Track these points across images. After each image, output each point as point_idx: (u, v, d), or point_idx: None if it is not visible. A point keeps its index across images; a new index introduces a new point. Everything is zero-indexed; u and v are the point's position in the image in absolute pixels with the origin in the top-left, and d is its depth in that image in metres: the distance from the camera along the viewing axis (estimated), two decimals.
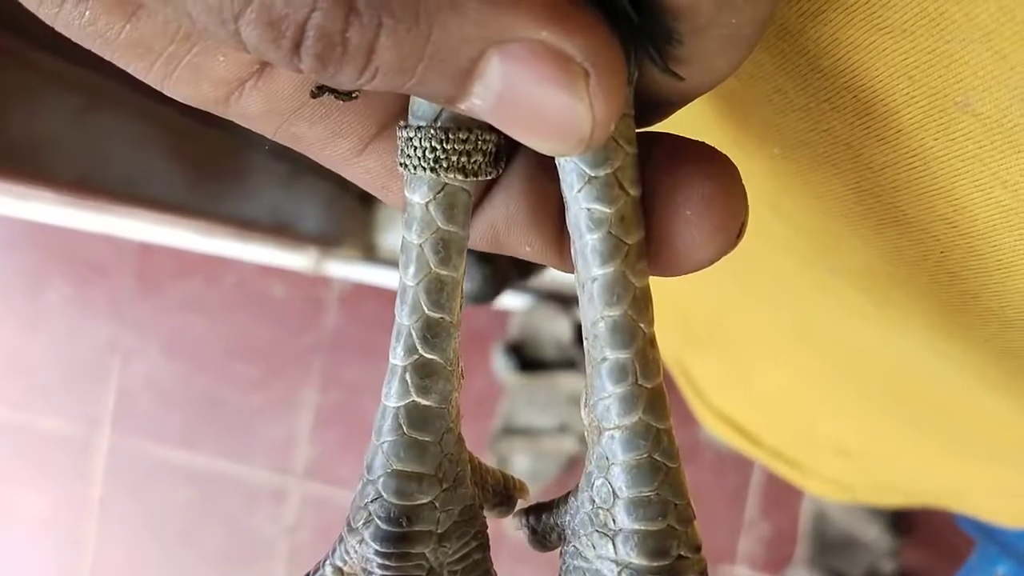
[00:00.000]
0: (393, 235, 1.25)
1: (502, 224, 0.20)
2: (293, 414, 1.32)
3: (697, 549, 0.19)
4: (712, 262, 0.18)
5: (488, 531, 0.21)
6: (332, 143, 0.19)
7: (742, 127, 0.25)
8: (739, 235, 0.18)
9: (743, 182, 0.18)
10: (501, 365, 1.23)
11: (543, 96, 0.14)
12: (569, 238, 0.19)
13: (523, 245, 0.20)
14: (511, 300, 1.21)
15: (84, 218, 1.27)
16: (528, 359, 1.24)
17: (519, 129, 0.15)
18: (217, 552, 1.34)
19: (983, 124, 0.18)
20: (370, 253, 1.25)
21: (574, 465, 1.28)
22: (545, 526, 0.21)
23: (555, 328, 1.23)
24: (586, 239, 0.18)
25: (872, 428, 0.50)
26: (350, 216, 1.17)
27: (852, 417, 0.51)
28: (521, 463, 1.26)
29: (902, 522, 1.21)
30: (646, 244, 0.18)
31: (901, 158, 0.20)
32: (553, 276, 1.23)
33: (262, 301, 1.33)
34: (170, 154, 0.71)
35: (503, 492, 0.22)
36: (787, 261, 0.34)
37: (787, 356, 0.50)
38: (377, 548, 0.19)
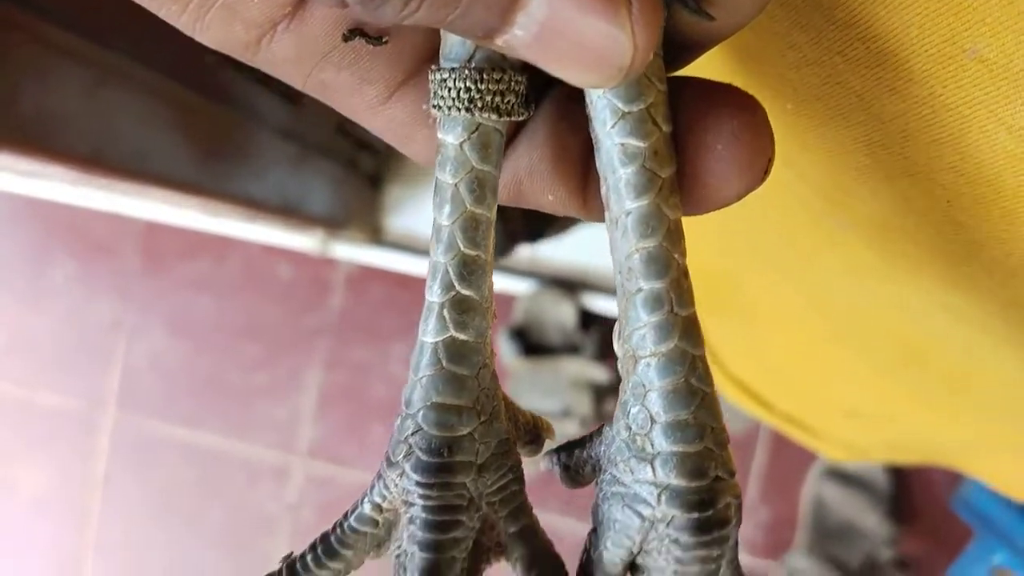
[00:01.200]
0: (400, 218, 1.26)
1: (525, 174, 0.20)
2: (297, 394, 1.33)
3: (732, 473, 0.19)
4: (740, 197, 0.18)
5: (522, 467, 0.21)
6: (359, 90, 0.19)
7: (756, 83, 0.25)
8: (766, 171, 0.18)
9: (768, 121, 0.18)
10: (505, 349, 1.23)
11: (585, 25, 0.15)
12: (591, 186, 0.19)
13: (546, 194, 0.20)
14: (515, 285, 1.21)
15: (90, 196, 1.27)
16: (532, 344, 1.24)
17: (559, 60, 0.15)
18: (220, 530, 1.35)
19: (990, 70, 0.18)
20: (377, 236, 1.25)
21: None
22: (578, 460, 0.21)
23: (559, 313, 1.23)
24: (619, 174, 0.18)
25: (881, 389, 0.51)
26: (357, 198, 1.17)
27: (862, 379, 0.51)
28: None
29: (901, 510, 1.22)
30: (677, 181, 0.18)
31: (911, 107, 0.21)
32: (557, 261, 1.23)
33: (268, 282, 1.34)
34: (178, 132, 0.71)
35: (532, 431, 0.22)
36: (798, 218, 0.34)
37: (797, 320, 0.50)
38: (419, 479, 0.20)
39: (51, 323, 1.39)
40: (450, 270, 0.19)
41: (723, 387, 0.72)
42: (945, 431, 0.54)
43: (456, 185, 0.19)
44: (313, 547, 0.22)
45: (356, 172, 1.15)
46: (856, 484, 1.23)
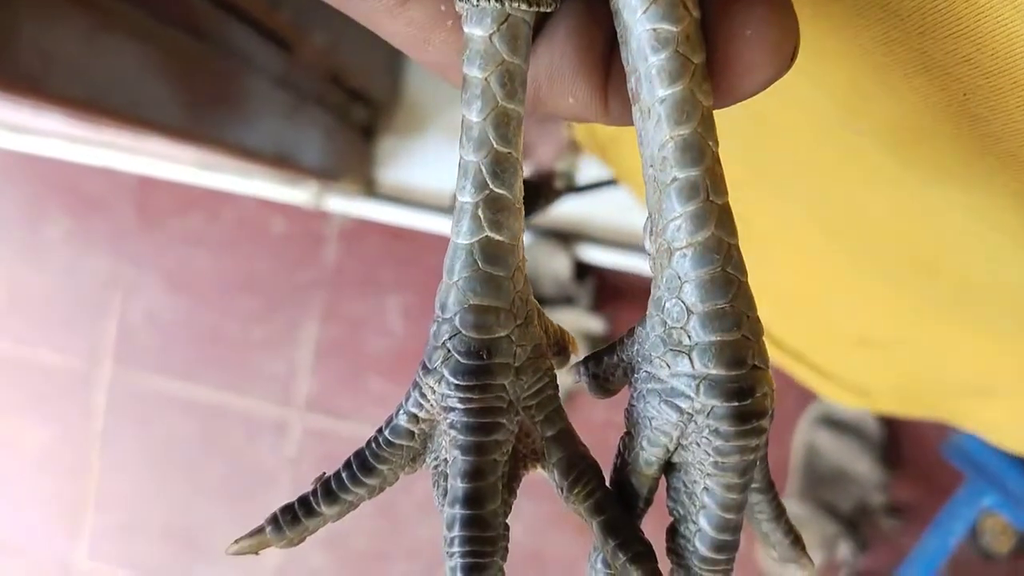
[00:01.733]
0: (394, 170, 1.25)
1: (544, 76, 0.20)
2: (294, 348, 1.34)
3: (767, 363, 0.19)
4: (768, 84, 0.18)
5: (555, 372, 0.21)
6: None
7: None
8: (793, 56, 0.18)
9: (793, 6, 0.18)
10: None
11: None
12: (613, 85, 0.19)
13: (566, 96, 0.20)
14: None
15: (84, 152, 1.26)
16: None
17: None
18: (219, 484, 1.37)
19: None
20: (370, 188, 1.25)
21: (574, 399, 1.30)
22: (608, 366, 0.21)
23: (554, 264, 1.23)
24: (651, 61, 0.18)
25: (895, 308, 0.51)
26: (351, 149, 1.17)
27: (875, 299, 0.51)
28: None
29: (892, 456, 1.24)
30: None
31: (926, 2, 0.21)
32: (551, 213, 1.23)
33: (262, 236, 1.34)
34: (174, 78, 0.71)
35: (559, 343, 0.22)
36: (810, 128, 0.34)
37: (808, 245, 0.50)
38: (458, 383, 0.19)
39: (47, 280, 1.40)
40: (483, 168, 0.19)
41: None
42: (956, 353, 0.54)
43: (487, 79, 0.18)
44: (348, 464, 0.21)
45: (349, 123, 1.14)
46: (848, 430, 1.25)
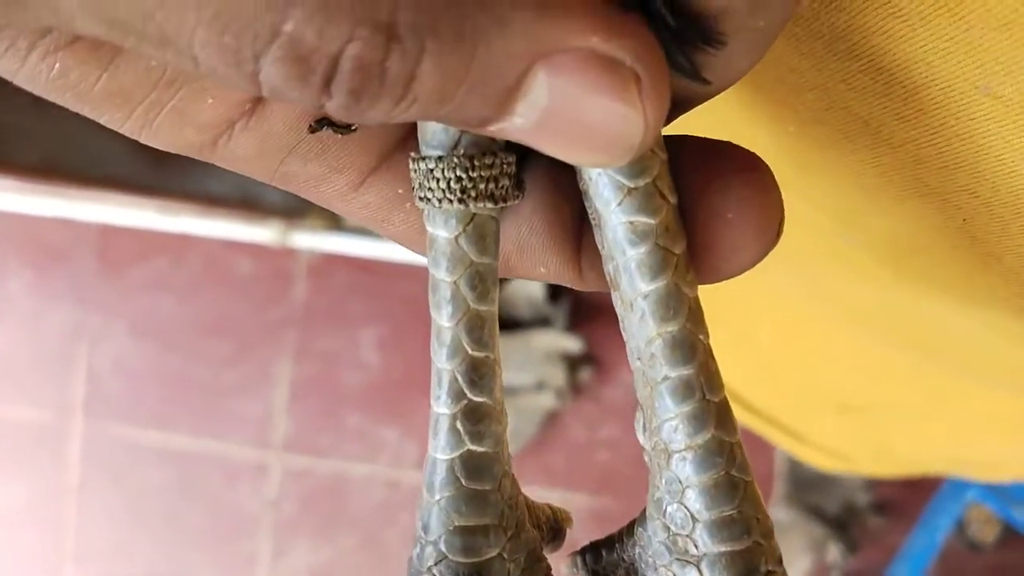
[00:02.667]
0: None
1: (514, 249, 0.19)
2: (268, 388, 1.32)
3: (780, 561, 0.18)
4: (756, 263, 0.18)
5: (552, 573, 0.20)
6: (328, 180, 0.18)
7: (754, 106, 0.24)
8: (779, 232, 0.17)
9: (775, 178, 0.17)
10: None
11: (593, 106, 0.14)
12: (586, 255, 0.18)
13: (537, 267, 0.19)
14: None
15: (41, 203, 1.24)
16: (502, 319, 1.24)
17: (564, 145, 0.14)
18: (201, 530, 1.34)
19: (1005, 106, 0.18)
20: (336, 222, 1.24)
21: (552, 421, 1.29)
22: (608, 563, 0.20)
23: (528, 287, 1.23)
24: (630, 255, 0.17)
25: (878, 371, 0.51)
26: None
27: (858, 361, 0.51)
28: None
29: None
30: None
31: (921, 135, 0.20)
32: None
33: (229, 277, 1.32)
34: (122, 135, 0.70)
35: (553, 526, 0.21)
36: (800, 233, 0.34)
37: (790, 308, 0.49)
38: None
39: (10, 334, 1.37)
40: (459, 377, 0.17)
41: None
42: (940, 418, 0.54)
43: (455, 283, 0.17)
44: None
45: None
46: None
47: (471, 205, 0.17)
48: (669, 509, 0.18)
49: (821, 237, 0.32)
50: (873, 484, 1.25)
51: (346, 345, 1.29)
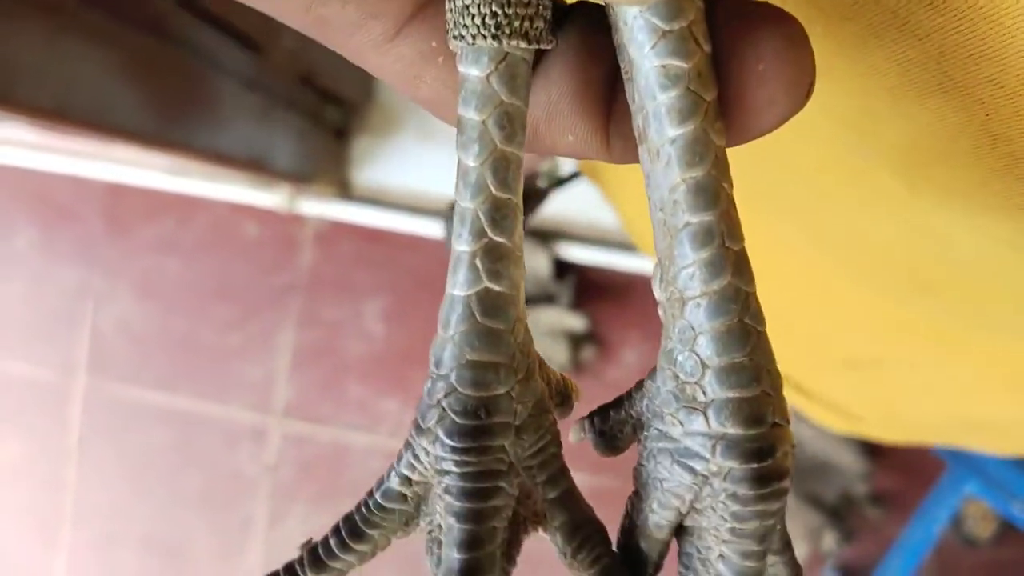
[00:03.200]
0: (368, 171, 1.24)
1: (542, 114, 0.18)
2: (271, 354, 1.32)
3: (788, 419, 0.18)
4: (783, 121, 0.17)
5: (558, 429, 0.20)
6: (364, 27, 0.18)
7: (783, 7, 0.24)
8: (809, 92, 0.17)
9: (807, 35, 0.17)
10: None
11: None
12: (615, 123, 0.18)
13: (565, 134, 0.19)
14: None
15: (50, 160, 1.24)
16: None
17: None
18: (198, 493, 1.35)
19: None
20: (344, 190, 1.23)
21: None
22: (615, 423, 0.20)
23: (533, 263, 1.23)
24: (660, 99, 0.17)
25: (886, 324, 0.50)
26: (324, 152, 1.16)
27: (865, 316, 0.51)
28: None
29: (874, 446, 1.24)
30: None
31: (949, 23, 0.20)
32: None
33: (236, 241, 1.32)
34: (141, 83, 0.70)
35: (562, 392, 0.21)
36: (814, 152, 0.33)
37: (800, 261, 0.49)
38: (454, 444, 0.18)
39: (16, 292, 1.37)
40: (481, 215, 0.17)
41: None
42: (947, 372, 0.53)
43: (484, 122, 0.17)
44: (336, 530, 0.20)
45: (322, 125, 1.13)
46: None
47: (504, 43, 0.17)
48: (680, 358, 0.18)
49: (839, 154, 0.31)
50: (871, 475, 1.25)
51: (350, 314, 1.29)
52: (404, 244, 1.24)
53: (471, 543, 0.18)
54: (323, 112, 1.13)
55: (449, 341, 0.18)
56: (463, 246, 0.18)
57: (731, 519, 0.18)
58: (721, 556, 0.19)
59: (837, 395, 0.68)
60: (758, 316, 0.18)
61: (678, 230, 0.17)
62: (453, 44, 0.17)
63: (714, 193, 0.17)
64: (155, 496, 1.36)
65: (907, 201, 0.32)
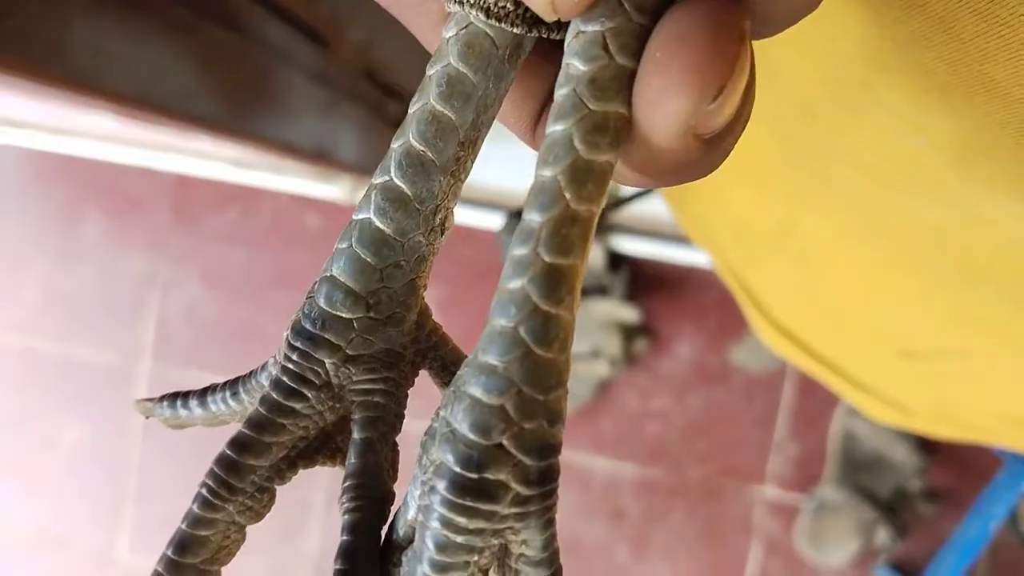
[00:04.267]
0: None
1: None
2: None
3: (530, 453, 0.16)
4: (811, 9, 0.16)
5: (405, 391, 0.20)
6: (424, 5, 0.19)
7: (847, 7, 0.26)
8: None
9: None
10: None
11: None
12: (541, 129, 0.18)
13: (507, 122, 0.20)
14: None
15: (120, 152, 1.28)
16: None
17: None
18: None
19: None
20: None
21: (605, 389, 1.31)
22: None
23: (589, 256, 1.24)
24: (556, 95, 0.17)
25: (940, 314, 0.51)
26: (384, 145, 1.18)
27: (919, 308, 0.51)
28: None
29: (929, 441, 1.23)
30: (621, 124, 0.16)
31: (991, 28, 0.21)
32: None
33: (298, 231, 1.35)
34: (216, 74, 0.72)
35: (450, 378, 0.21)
36: (870, 140, 0.35)
37: (850, 246, 0.50)
38: (289, 341, 0.19)
39: (85, 279, 1.42)
40: (392, 156, 0.18)
41: (768, 337, 0.71)
42: (1000, 365, 0.54)
43: (431, 77, 0.18)
44: (203, 391, 0.22)
45: (383, 118, 1.15)
46: None
47: (466, 9, 0.17)
48: (485, 335, 0.17)
49: (894, 141, 0.33)
50: (926, 470, 1.24)
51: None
52: (459, 235, 1.26)
53: (256, 424, 0.19)
54: (384, 106, 1.15)
55: (335, 252, 0.19)
56: (375, 178, 0.19)
57: (423, 513, 0.17)
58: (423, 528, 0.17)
59: (889, 387, 0.68)
60: (543, 335, 0.16)
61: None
62: (447, 7, 0.18)
63: (553, 198, 0.16)
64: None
65: (957, 188, 0.33)
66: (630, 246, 1.23)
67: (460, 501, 0.16)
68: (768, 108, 0.38)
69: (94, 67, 0.55)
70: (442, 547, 0.17)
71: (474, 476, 0.16)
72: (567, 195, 0.16)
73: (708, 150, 0.16)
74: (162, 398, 0.22)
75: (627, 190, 0.89)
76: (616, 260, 1.25)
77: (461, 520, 0.16)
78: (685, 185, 0.63)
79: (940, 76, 0.25)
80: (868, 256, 0.50)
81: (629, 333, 1.28)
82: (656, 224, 1.23)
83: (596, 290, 1.25)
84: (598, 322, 1.26)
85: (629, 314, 1.25)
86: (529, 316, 0.16)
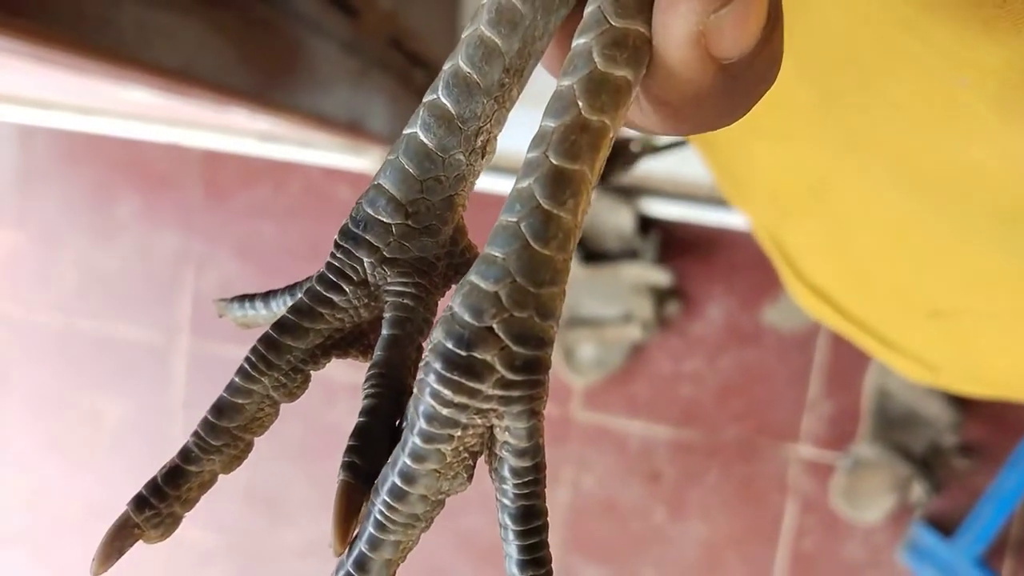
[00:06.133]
0: None
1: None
2: None
3: (518, 339, 0.17)
4: None
5: (436, 299, 0.21)
6: None
7: None
8: None
9: None
10: None
11: None
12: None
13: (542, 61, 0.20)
14: None
15: (150, 129, 1.29)
16: (591, 251, 1.26)
17: None
18: (298, 446, 1.40)
19: None
20: None
21: (638, 353, 1.31)
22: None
23: (617, 219, 1.24)
24: (584, 13, 0.18)
25: (972, 274, 0.51)
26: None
27: (952, 264, 0.52)
28: (587, 352, 1.30)
29: (963, 397, 1.23)
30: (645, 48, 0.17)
31: None
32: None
33: (329, 204, 1.36)
34: (251, 46, 0.73)
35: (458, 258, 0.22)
36: (909, 83, 0.35)
37: (883, 202, 0.50)
38: (337, 240, 0.21)
39: (121, 258, 1.44)
40: (442, 77, 0.19)
41: (801, 296, 0.72)
42: None
43: (484, 5, 0.19)
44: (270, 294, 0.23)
45: (411, 88, 1.16)
46: None
47: None
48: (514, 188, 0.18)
49: (935, 82, 0.33)
50: (960, 425, 1.24)
51: None
52: (489, 203, 1.26)
53: (298, 309, 0.21)
54: (412, 75, 1.15)
55: (384, 163, 0.20)
56: (425, 96, 0.20)
57: (418, 386, 0.18)
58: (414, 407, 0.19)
59: (918, 346, 0.68)
60: (542, 232, 0.17)
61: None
62: None
63: (567, 104, 0.17)
64: (256, 449, 1.41)
65: (997, 129, 0.33)
66: (660, 209, 1.23)
67: (448, 375, 0.17)
68: (808, 55, 0.39)
69: (140, 41, 0.56)
70: (429, 418, 0.18)
71: (463, 354, 0.17)
72: (580, 103, 0.17)
73: (727, 83, 0.17)
74: (232, 299, 0.24)
75: (662, 140, 0.89)
76: (646, 224, 1.26)
77: (447, 393, 0.17)
78: (721, 144, 0.64)
79: (988, 9, 0.25)
80: (899, 212, 0.50)
81: (661, 296, 1.28)
82: (685, 187, 1.23)
83: (627, 254, 1.26)
84: (629, 286, 1.27)
85: (660, 277, 1.25)
86: (530, 213, 0.17)
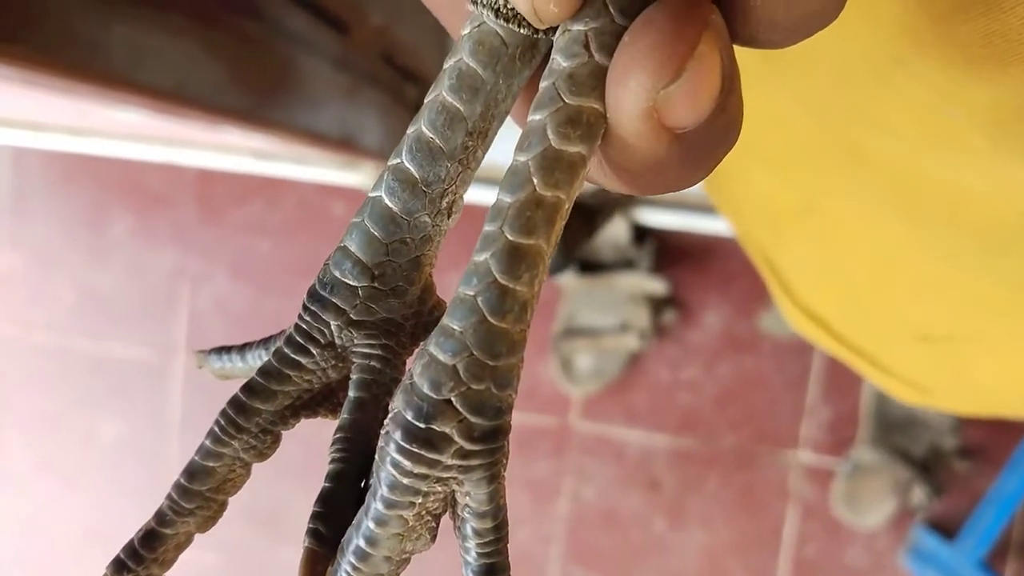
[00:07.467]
0: None
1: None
2: None
3: (479, 413, 0.18)
4: (831, 20, 0.17)
5: (403, 359, 0.21)
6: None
7: None
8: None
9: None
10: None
11: None
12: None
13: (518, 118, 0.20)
14: None
15: (143, 149, 1.29)
16: (586, 261, 1.26)
17: None
18: (297, 465, 1.40)
19: None
20: None
21: (636, 362, 1.31)
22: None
23: (612, 229, 1.24)
24: (540, 87, 0.18)
25: (960, 299, 0.51)
26: (404, 129, 1.19)
27: (941, 290, 0.52)
28: (584, 362, 1.30)
29: None
30: (596, 120, 0.17)
31: None
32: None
33: (323, 220, 1.36)
34: (243, 64, 0.73)
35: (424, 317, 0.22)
36: (902, 112, 0.35)
37: (873, 226, 0.50)
38: (304, 303, 0.21)
39: (116, 277, 1.43)
40: (405, 141, 0.19)
41: (794, 318, 0.72)
42: (1017, 342, 0.54)
43: (445, 70, 0.19)
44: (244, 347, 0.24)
45: (403, 103, 1.16)
46: None
47: (478, 7, 0.18)
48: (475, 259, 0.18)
49: (926, 112, 0.33)
50: (960, 428, 1.24)
51: (438, 288, 1.32)
52: (480, 216, 1.26)
53: (266, 372, 0.21)
54: (404, 91, 1.16)
55: (350, 225, 0.20)
56: (390, 160, 0.20)
57: (379, 454, 0.18)
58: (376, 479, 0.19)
59: (909, 369, 0.69)
60: (499, 306, 0.17)
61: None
62: (467, 6, 0.19)
63: (521, 181, 0.17)
64: (255, 469, 1.41)
65: (989, 156, 0.33)
66: (654, 218, 1.23)
67: (408, 447, 0.18)
68: (806, 85, 0.39)
69: (132, 63, 0.56)
70: (390, 486, 0.18)
71: (422, 426, 0.18)
72: (535, 180, 0.17)
73: (683, 151, 0.17)
74: (210, 351, 0.24)
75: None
76: (641, 233, 1.26)
77: (407, 463, 0.18)
78: (717, 168, 0.64)
79: (975, 49, 0.25)
80: (893, 237, 0.50)
81: (657, 305, 1.28)
82: (679, 196, 1.23)
83: (623, 264, 1.26)
84: (626, 296, 1.27)
85: (656, 286, 1.26)
86: (487, 288, 0.17)
